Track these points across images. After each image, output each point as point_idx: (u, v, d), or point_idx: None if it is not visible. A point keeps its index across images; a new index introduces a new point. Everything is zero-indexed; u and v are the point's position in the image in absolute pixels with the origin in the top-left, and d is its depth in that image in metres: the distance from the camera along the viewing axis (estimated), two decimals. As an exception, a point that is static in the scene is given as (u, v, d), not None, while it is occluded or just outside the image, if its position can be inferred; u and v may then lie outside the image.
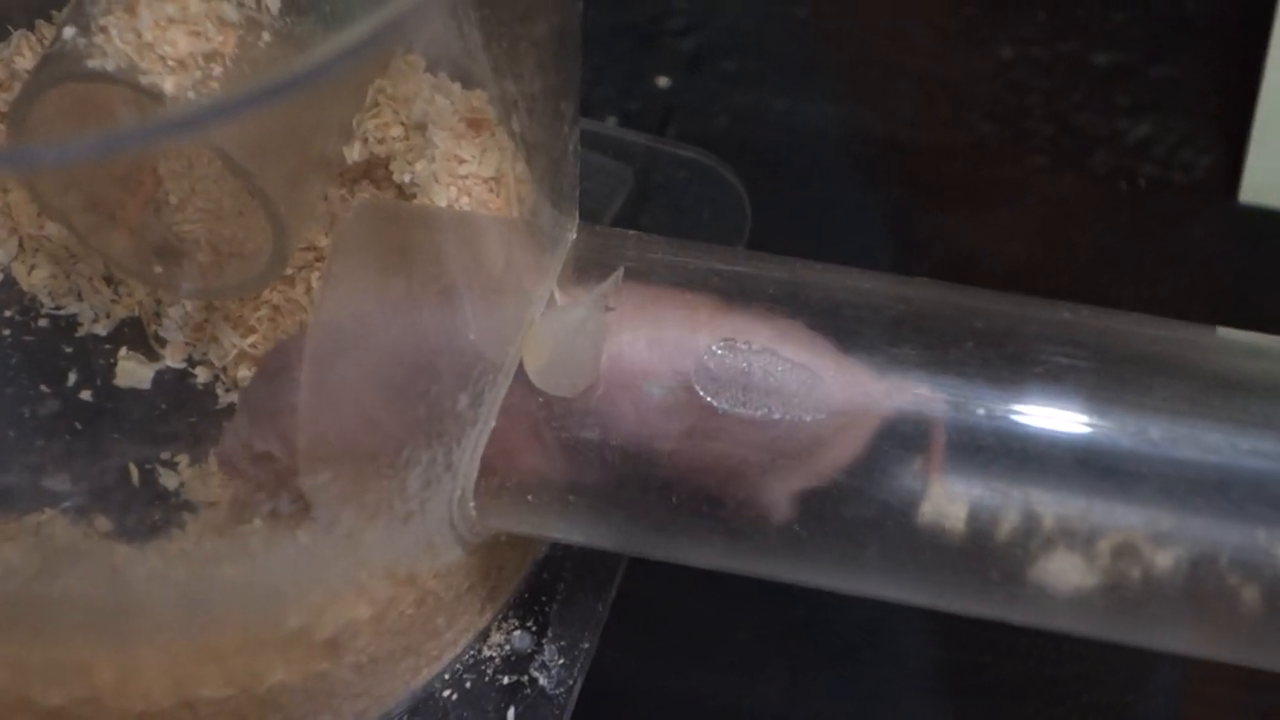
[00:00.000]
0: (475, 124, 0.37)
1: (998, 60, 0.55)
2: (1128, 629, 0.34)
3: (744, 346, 0.34)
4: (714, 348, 0.34)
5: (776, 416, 0.33)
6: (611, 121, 0.53)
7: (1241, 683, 0.43)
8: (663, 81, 0.54)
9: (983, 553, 0.34)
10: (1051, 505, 0.34)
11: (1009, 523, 0.34)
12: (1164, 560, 0.33)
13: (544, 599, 0.38)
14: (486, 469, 0.34)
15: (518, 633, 0.38)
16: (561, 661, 0.37)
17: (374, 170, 0.38)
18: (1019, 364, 0.34)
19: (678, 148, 0.44)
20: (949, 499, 0.33)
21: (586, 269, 0.35)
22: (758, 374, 0.33)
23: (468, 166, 0.37)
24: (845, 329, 0.34)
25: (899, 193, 0.52)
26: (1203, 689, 0.44)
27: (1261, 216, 0.52)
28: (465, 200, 0.37)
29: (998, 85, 0.55)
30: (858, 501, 0.33)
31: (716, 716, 0.41)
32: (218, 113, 0.27)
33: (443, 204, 0.37)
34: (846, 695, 0.42)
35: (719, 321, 0.34)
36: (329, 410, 0.33)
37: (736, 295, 0.34)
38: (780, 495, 0.34)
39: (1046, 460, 0.33)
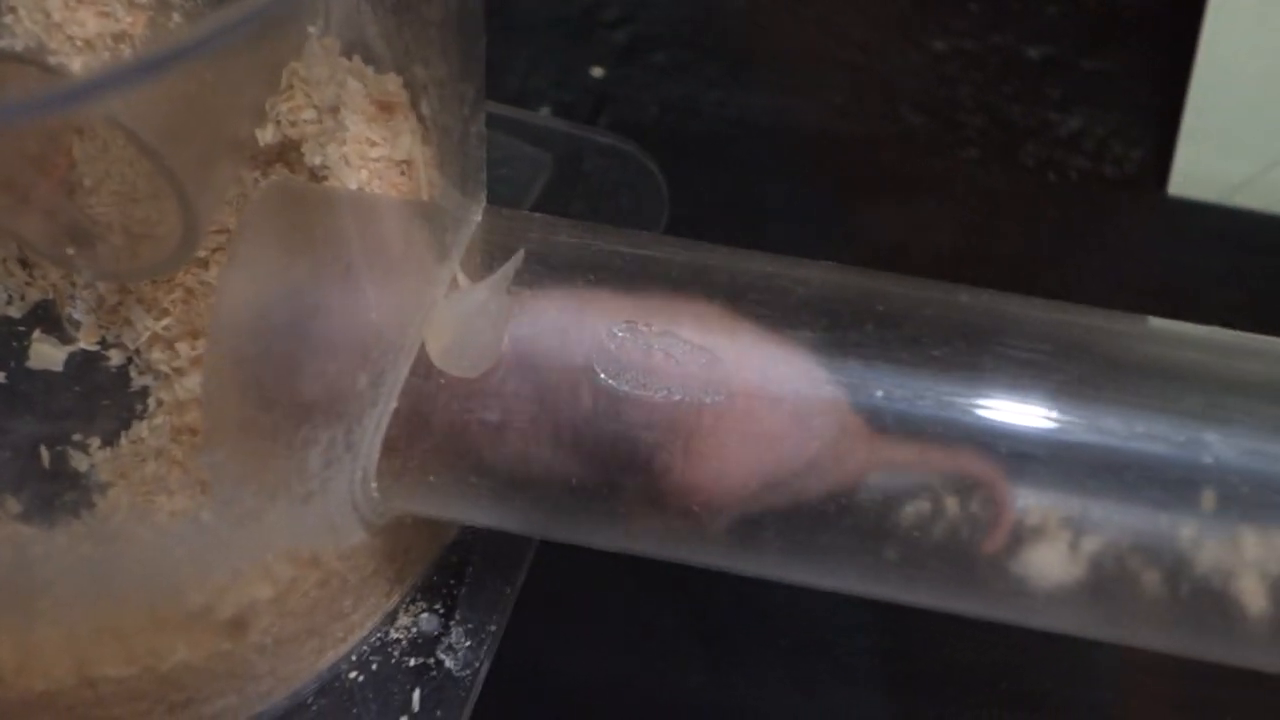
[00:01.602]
0: (387, 107, 0.37)
1: (930, 52, 0.55)
2: (1026, 614, 0.35)
3: (645, 329, 0.34)
4: (615, 330, 0.34)
5: (677, 398, 0.33)
6: (545, 111, 0.53)
7: (1174, 673, 0.43)
8: (597, 72, 0.54)
9: (879, 531, 0.34)
10: (953, 488, 0.34)
11: (913, 506, 0.34)
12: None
13: (452, 582, 0.38)
14: (388, 450, 0.34)
15: (425, 615, 0.38)
16: (468, 644, 0.37)
17: (287, 153, 0.38)
18: (916, 346, 0.34)
19: (598, 135, 0.44)
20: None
21: (491, 251, 0.35)
22: (658, 356, 0.33)
23: (379, 150, 0.37)
24: (747, 312, 0.34)
25: (830, 183, 0.53)
26: (1139, 679, 0.44)
27: (1190, 209, 0.52)
28: (376, 183, 0.37)
29: (929, 77, 0.55)
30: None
31: (630, 702, 0.41)
32: (98, 87, 0.26)
33: (353, 186, 0.37)
34: (768, 682, 0.42)
35: (622, 303, 0.34)
36: (229, 388, 0.33)
37: (639, 277, 0.34)
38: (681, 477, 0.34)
39: (951, 442, 0.34)
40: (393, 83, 0.38)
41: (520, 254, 0.34)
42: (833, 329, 0.34)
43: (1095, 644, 0.40)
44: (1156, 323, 0.36)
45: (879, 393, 0.33)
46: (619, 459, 0.34)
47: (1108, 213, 0.52)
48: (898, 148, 0.53)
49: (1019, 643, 0.41)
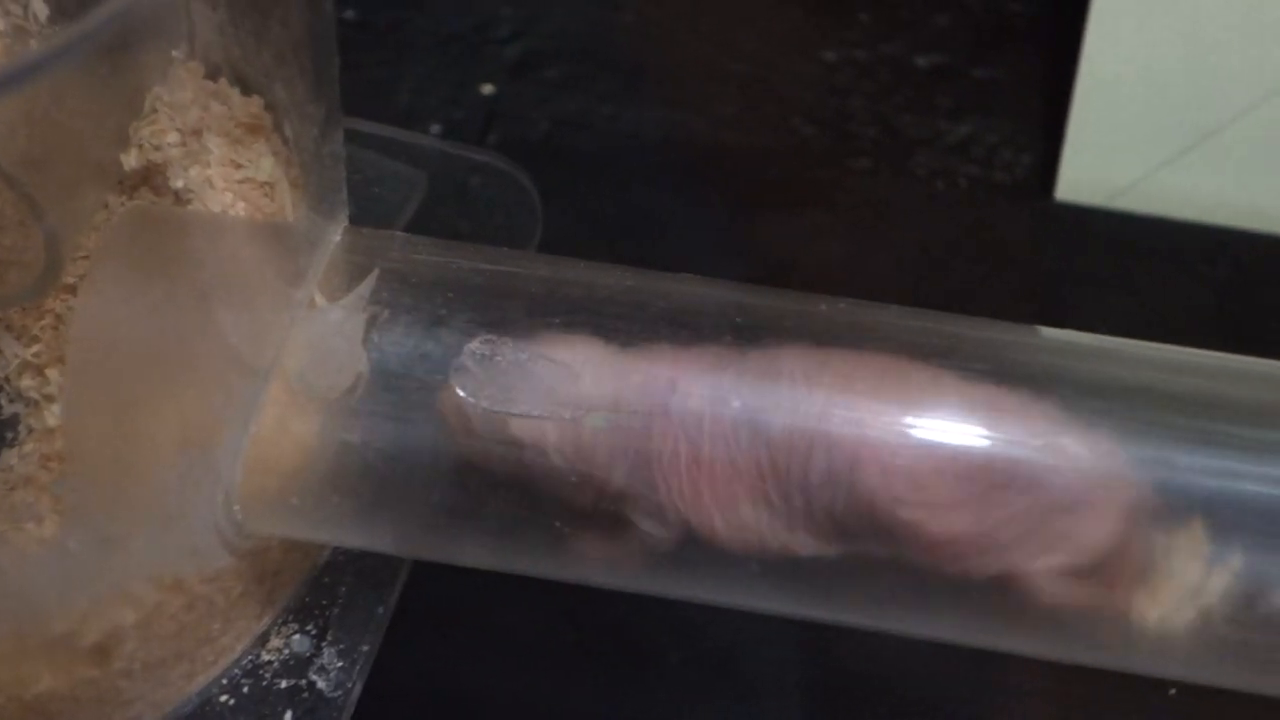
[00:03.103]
0: (251, 129, 0.37)
1: (821, 64, 0.56)
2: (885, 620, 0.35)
3: (504, 345, 0.34)
4: (473, 346, 0.34)
5: (536, 414, 0.33)
6: (436, 129, 0.53)
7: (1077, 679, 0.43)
8: (487, 89, 0.54)
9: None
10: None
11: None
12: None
13: (325, 602, 0.38)
14: (249, 472, 0.34)
15: (297, 636, 0.38)
16: (340, 664, 0.37)
17: (152, 177, 0.38)
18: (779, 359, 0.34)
19: (473, 152, 0.44)
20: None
21: (351, 271, 0.35)
22: (517, 372, 0.33)
23: (244, 172, 0.37)
24: (605, 325, 0.34)
25: (722, 197, 0.53)
26: (1042, 687, 0.44)
27: (1077, 214, 0.52)
28: (241, 205, 0.37)
29: (821, 89, 0.55)
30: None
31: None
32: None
33: (218, 209, 0.37)
34: (656, 698, 0.42)
35: (480, 320, 0.34)
36: (88, 414, 0.33)
37: (495, 294, 0.34)
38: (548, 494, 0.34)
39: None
40: (256, 105, 0.38)
41: (375, 273, 0.34)
42: (691, 342, 0.34)
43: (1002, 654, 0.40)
44: (1016, 327, 0.36)
45: (736, 403, 0.33)
46: (480, 477, 0.34)
47: (997, 219, 0.52)
48: (790, 159, 0.54)
49: (918, 652, 0.41)
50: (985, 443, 0.33)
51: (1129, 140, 0.52)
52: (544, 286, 0.35)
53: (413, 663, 0.40)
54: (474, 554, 0.35)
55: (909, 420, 0.33)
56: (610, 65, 0.55)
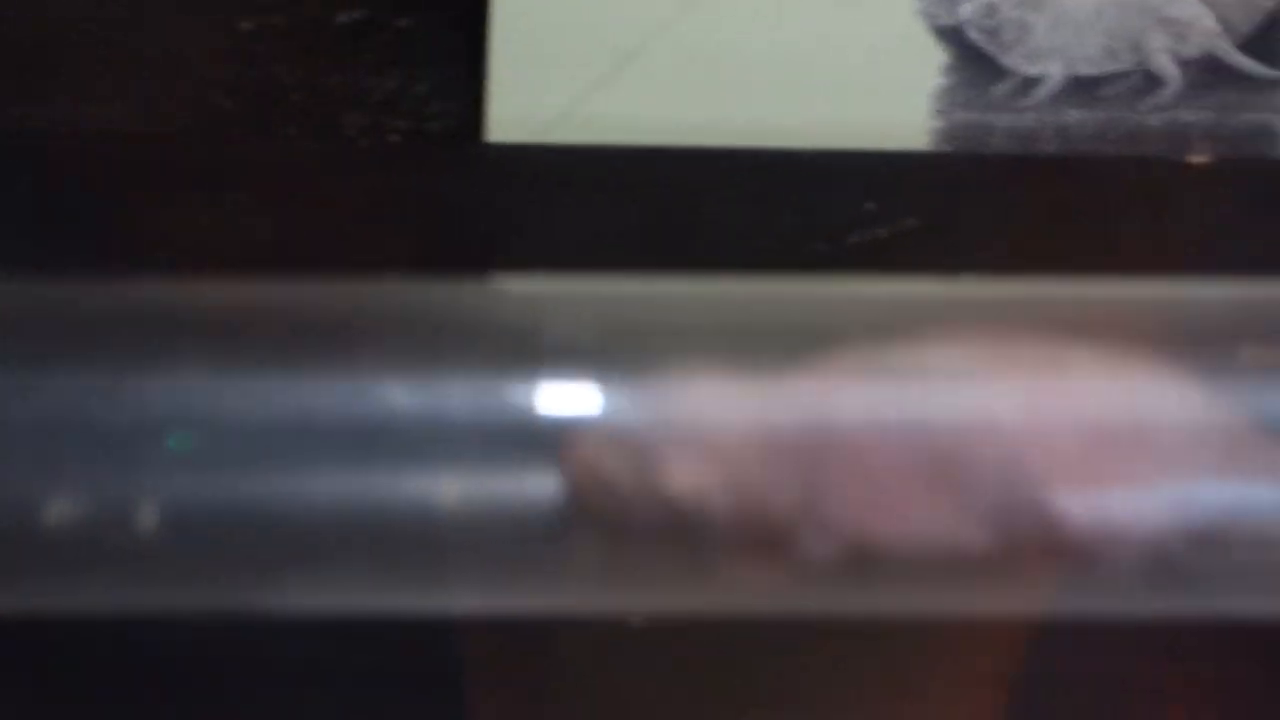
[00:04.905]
0: None
1: (239, 34, 0.54)
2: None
3: None
4: None
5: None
6: None
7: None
8: (-125, 107, 0.51)
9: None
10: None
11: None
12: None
13: None
14: None
15: None
16: None
17: None
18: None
19: None
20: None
21: None
22: None
23: None
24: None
25: (136, 188, 0.50)
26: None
27: (510, 153, 0.52)
28: None
29: (241, 60, 0.53)
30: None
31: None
32: None
33: None
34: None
35: None
36: None
37: None
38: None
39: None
40: None
41: None
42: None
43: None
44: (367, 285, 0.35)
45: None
46: None
47: (432, 170, 0.51)
48: (212, 138, 0.51)
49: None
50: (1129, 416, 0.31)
51: (550, 73, 0.51)
52: None
53: None
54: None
55: (1060, 410, 0.31)
56: (9, 67, 0.52)
